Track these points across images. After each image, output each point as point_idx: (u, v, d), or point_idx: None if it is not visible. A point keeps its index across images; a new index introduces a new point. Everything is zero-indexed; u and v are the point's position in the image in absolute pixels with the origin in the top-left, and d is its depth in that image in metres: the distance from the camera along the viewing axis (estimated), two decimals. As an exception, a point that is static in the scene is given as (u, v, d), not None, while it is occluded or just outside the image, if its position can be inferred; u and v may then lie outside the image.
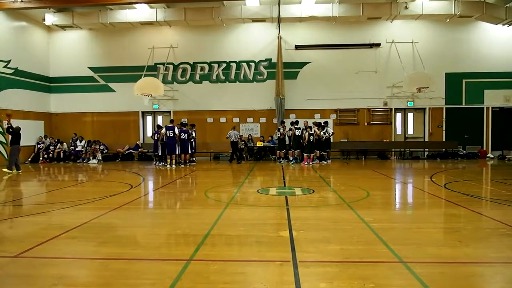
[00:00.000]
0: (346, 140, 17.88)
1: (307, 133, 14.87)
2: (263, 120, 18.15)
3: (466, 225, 5.34)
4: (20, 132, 12.81)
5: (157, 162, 15.10)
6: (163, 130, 14.33)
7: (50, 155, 17.28)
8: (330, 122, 17.53)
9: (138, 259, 3.94)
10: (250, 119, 18.21)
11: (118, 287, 3.25)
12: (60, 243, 4.52)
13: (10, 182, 10.72)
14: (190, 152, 15.11)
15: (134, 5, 16.28)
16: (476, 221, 5.58)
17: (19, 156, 12.71)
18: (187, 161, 15.00)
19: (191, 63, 18.34)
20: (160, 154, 14.81)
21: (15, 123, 13.29)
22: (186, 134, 14.66)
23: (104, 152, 17.63)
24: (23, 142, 13.13)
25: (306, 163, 14.81)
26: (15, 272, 3.67)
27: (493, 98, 17.52)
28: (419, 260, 3.76)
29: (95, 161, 16.90)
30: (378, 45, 17.68)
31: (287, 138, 15.71)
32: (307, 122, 15.60)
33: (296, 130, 15.32)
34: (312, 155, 14.99)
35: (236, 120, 18.16)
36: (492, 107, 17.59)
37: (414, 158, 17.50)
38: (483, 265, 3.74)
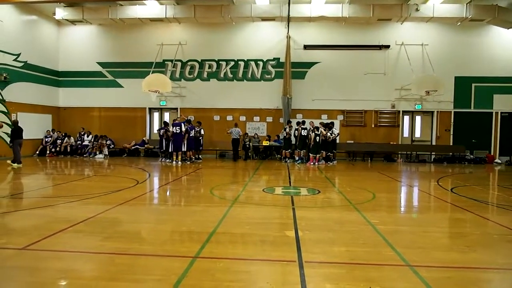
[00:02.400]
0: (352, 142, 17.80)
1: (313, 133, 14.83)
2: (269, 119, 18.12)
3: (473, 230, 5.29)
4: (19, 125, 12.76)
5: (163, 159, 15.16)
6: (170, 127, 14.38)
7: (58, 148, 17.42)
8: (337, 123, 17.46)
9: (144, 254, 3.96)
10: (256, 118, 18.18)
11: (124, 282, 3.26)
12: (67, 237, 4.55)
13: (17, 175, 10.81)
14: (198, 149, 15.21)
15: (144, 1, 16.37)
16: (484, 226, 5.53)
17: (20, 150, 12.66)
18: (193, 158, 15.05)
19: (199, 61, 18.36)
20: (165, 150, 14.89)
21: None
22: (195, 131, 14.75)
23: (111, 147, 17.71)
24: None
25: (312, 163, 14.77)
26: (21, 264, 3.71)
27: (502, 103, 17.31)
28: (426, 264, 3.73)
29: (101, 156, 16.99)
30: (388, 46, 17.55)
31: (293, 138, 15.67)
32: (313, 123, 15.51)
33: (303, 130, 15.28)
34: (318, 155, 14.95)
35: (242, 118, 18.14)
36: (501, 112, 17.39)
37: (420, 162, 17.37)
38: (491, 271, 3.70)
